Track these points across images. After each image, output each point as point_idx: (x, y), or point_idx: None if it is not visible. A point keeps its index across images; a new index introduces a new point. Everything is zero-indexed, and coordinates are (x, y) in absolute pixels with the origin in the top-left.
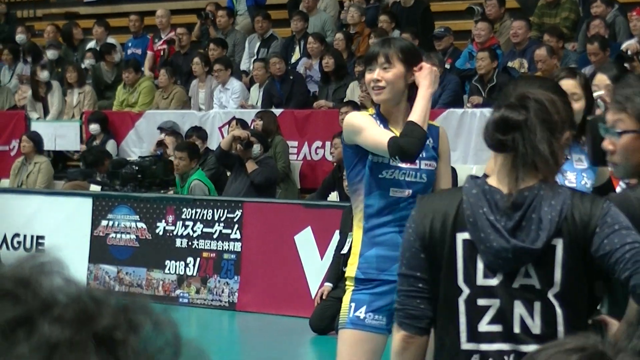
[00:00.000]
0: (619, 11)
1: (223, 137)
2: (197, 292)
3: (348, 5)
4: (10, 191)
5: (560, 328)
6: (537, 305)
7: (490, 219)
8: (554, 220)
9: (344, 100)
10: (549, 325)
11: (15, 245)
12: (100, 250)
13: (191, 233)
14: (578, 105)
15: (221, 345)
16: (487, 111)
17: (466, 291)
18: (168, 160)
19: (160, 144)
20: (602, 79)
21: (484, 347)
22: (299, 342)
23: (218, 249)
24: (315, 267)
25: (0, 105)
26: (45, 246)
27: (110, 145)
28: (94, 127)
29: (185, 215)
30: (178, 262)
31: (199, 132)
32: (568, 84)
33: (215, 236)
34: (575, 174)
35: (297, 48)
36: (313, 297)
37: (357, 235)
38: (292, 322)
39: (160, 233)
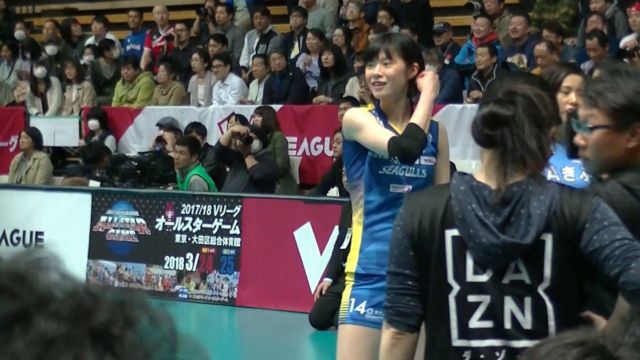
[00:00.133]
0: (618, 7)
1: (222, 132)
2: (197, 287)
3: (347, 1)
4: (9, 187)
5: (551, 323)
6: (528, 301)
7: (479, 215)
8: (543, 215)
9: (343, 96)
10: (539, 321)
11: (15, 241)
12: (99, 246)
13: (190, 229)
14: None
15: (221, 340)
16: None
17: (456, 288)
18: (167, 156)
19: (160, 139)
20: (575, 79)
21: (475, 343)
22: (298, 338)
23: (217, 244)
24: (314, 262)
25: None
26: (45, 242)
27: (110, 141)
28: (93, 123)
29: (185, 211)
30: (177, 258)
31: (198, 127)
32: (575, 80)
33: (214, 232)
34: (574, 169)
35: (297, 44)
36: (312, 292)
37: (356, 230)
38: (291, 317)
39: (160, 229)
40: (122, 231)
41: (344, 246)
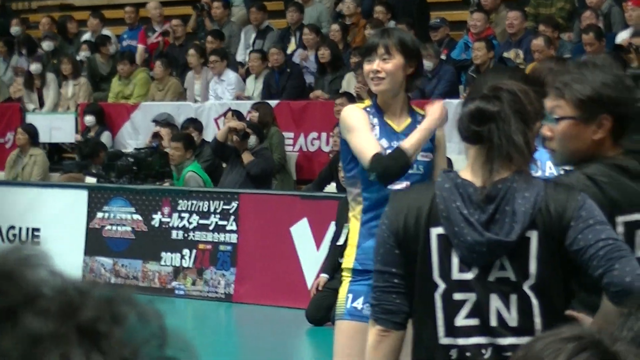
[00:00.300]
0: (615, 1)
1: (219, 128)
2: (193, 283)
3: None
4: (5, 184)
5: (537, 320)
6: (513, 298)
7: (463, 213)
8: (528, 212)
9: (340, 92)
10: (525, 318)
11: (11, 237)
12: (96, 243)
13: (187, 225)
14: None
15: (217, 336)
16: None
17: (442, 286)
18: (164, 152)
19: (156, 135)
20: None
21: (462, 341)
22: (295, 333)
23: (214, 240)
24: (311, 258)
25: None
26: (41, 238)
27: (106, 137)
28: (90, 119)
29: (181, 207)
30: (174, 254)
31: (195, 123)
32: None
33: (211, 228)
34: None
35: (293, 39)
36: (309, 288)
37: (354, 226)
38: (288, 313)
39: (156, 225)
40: (119, 227)
41: (340, 242)
